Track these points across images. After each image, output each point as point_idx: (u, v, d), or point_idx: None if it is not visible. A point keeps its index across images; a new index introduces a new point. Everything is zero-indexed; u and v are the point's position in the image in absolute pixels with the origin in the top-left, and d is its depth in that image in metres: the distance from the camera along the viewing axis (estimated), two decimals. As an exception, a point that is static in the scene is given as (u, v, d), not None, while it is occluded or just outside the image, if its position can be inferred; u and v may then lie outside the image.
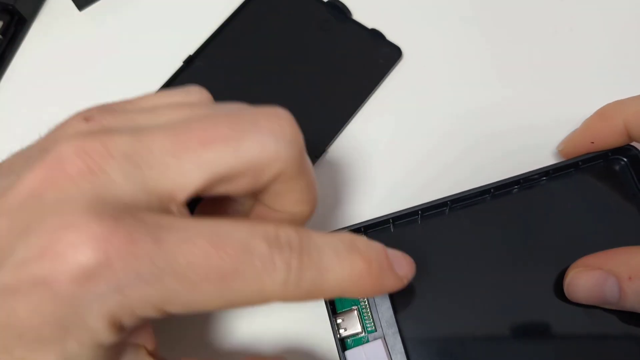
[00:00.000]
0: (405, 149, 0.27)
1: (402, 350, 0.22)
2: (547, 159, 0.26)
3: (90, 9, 0.32)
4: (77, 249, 0.14)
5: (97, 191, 0.15)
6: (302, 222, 0.20)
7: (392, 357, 0.22)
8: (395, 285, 0.19)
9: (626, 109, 0.23)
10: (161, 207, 0.16)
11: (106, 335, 0.15)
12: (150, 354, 0.19)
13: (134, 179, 0.16)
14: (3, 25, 0.30)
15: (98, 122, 0.17)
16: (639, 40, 0.29)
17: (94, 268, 0.14)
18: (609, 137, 0.23)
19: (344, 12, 0.30)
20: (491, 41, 0.30)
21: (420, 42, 0.30)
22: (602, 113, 0.24)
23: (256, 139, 0.17)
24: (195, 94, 0.20)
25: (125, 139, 0.16)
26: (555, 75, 0.28)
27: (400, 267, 0.19)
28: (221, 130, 0.16)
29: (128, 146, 0.16)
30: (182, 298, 0.15)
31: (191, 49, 0.30)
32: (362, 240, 0.18)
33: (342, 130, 0.28)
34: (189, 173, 0.16)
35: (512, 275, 0.23)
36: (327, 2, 0.31)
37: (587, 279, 0.21)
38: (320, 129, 0.28)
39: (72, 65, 0.31)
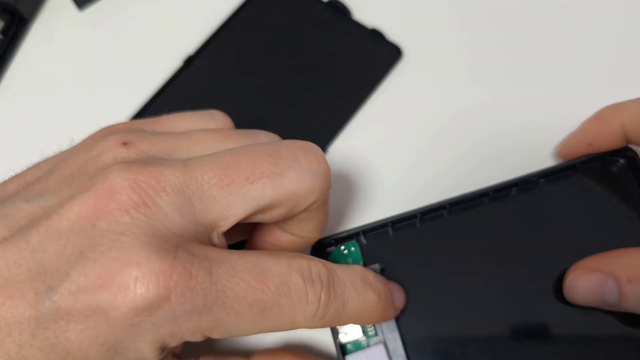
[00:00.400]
0: (405, 149, 0.28)
1: (403, 354, 0.22)
2: (546, 160, 0.26)
3: (91, 9, 0.32)
4: (140, 283, 0.15)
5: (152, 224, 0.16)
6: (310, 244, 0.22)
7: None
8: (393, 315, 0.21)
9: (624, 112, 0.23)
10: (205, 236, 0.17)
11: (151, 357, 0.16)
12: (175, 355, 0.20)
13: (184, 211, 0.17)
14: (4, 26, 0.30)
15: (138, 148, 0.18)
16: (638, 41, 0.29)
17: (154, 301, 0.15)
18: (606, 139, 0.23)
19: (344, 12, 0.30)
20: (491, 42, 0.30)
21: (420, 41, 0.30)
22: (600, 115, 0.24)
23: (296, 174, 0.18)
24: (220, 119, 0.22)
25: (176, 174, 0.17)
26: (557, 77, 0.28)
27: (398, 299, 0.22)
28: (265, 166, 0.18)
29: (179, 181, 0.17)
30: (226, 326, 0.17)
31: (191, 49, 0.30)
32: (371, 273, 0.20)
33: (342, 131, 0.28)
34: (234, 205, 0.17)
35: (511, 277, 0.23)
36: (327, 2, 0.31)
37: (587, 281, 0.21)
38: (319, 129, 0.28)
39: (73, 65, 0.31)
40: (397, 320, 0.23)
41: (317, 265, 0.18)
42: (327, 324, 0.19)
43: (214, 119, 0.22)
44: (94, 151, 0.18)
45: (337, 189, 0.27)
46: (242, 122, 0.28)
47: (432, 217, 0.24)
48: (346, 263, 0.23)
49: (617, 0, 0.30)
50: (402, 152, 0.27)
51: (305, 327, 0.18)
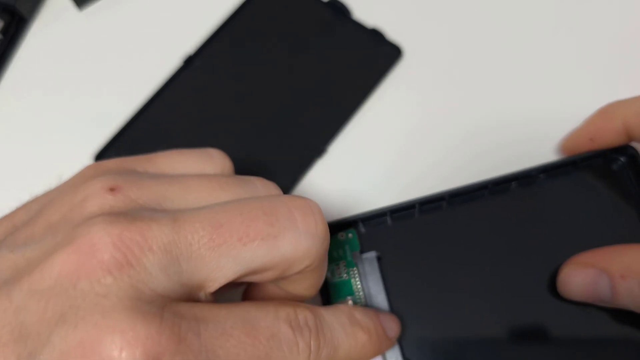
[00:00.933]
0: (405, 149, 0.28)
1: (396, 344, 0.22)
2: (547, 155, 0.26)
3: (90, 9, 0.32)
4: (126, 353, 0.14)
5: (136, 286, 0.15)
6: (305, 300, 0.21)
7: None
8: (388, 347, 0.21)
9: (627, 109, 0.23)
10: (191, 295, 0.16)
11: None
12: None
13: (171, 272, 0.16)
14: (3, 25, 0.30)
15: (126, 196, 0.17)
16: None
17: None
18: (608, 135, 0.23)
19: (344, 12, 0.30)
20: (491, 40, 0.30)
21: (420, 41, 0.30)
22: (603, 111, 0.24)
23: (293, 237, 0.17)
24: (218, 160, 0.20)
25: (165, 231, 0.16)
26: (558, 74, 0.29)
27: (391, 329, 0.21)
28: (260, 226, 0.17)
29: (168, 239, 0.16)
30: None
31: (191, 49, 0.30)
32: (359, 310, 0.20)
33: (342, 130, 0.28)
34: (224, 267, 0.16)
35: (508, 271, 0.23)
36: (327, 2, 0.31)
37: (580, 276, 0.21)
38: (320, 128, 0.28)
39: (72, 65, 0.31)
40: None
41: (304, 312, 0.18)
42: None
43: (212, 161, 0.20)
44: (80, 195, 0.17)
45: (337, 187, 0.27)
46: (241, 122, 0.28)
47: (431, 208, 0.24)
48: (344, 250, 0.23)
49: None
50: (402, 152, 0.27)
51: None
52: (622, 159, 0.24)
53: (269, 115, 0.28)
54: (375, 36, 0.30)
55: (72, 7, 0.32)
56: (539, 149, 0.27)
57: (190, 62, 0.30)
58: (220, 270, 0.16)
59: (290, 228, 0.17)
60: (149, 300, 0.15)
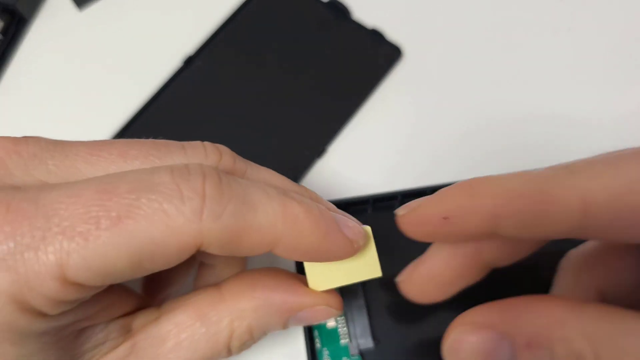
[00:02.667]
0: (405, 149, 0.28)
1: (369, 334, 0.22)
2: (547, 157, 0.26)
3: (90, 9, 0.32)
4: None
5: None
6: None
7: None
8: (345, 245, 0.16)
9: (501, 187, 0.16)
10: None
11: (30, 323, 0.14)
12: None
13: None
14: (3, 26, 0.30)
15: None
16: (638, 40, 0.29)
17: None
18: (471, 217, 0.16)
19: (344, 12, 0.30)
20: (491, 41, 0.30)
21: (420, 42, 0.30)
22: (465, 186, 0.16)
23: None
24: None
25: None
26: (558, 75, 0.29)
27: (348, 228, 0.17)
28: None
29: None
30: (78, 256, 0.13)
31: (191, 49, 0.30)
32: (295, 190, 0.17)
33: (341, 130, 0.28)
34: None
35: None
36: (327, 2, 0.31)
37: (473, 342, 0.15)
38: (319, 128, 0.28)
39: (72, 65, 0.31)
40: (366, 297, 0.23)
41: (199, 165, 0.15)
42: (232, 234, 0.14)
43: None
44: None
45: (336, 187, 0.27)
46: (242, 122, 0.28)
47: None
48: None
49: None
50: (402, 152, 0.27)
51: (200, 238, 0.14)
52: None
53: (269, 115, 0.28)
54: (375, 36, 0.30)
55: (72, 7, 0.32)
56: (540, 149, 0.26)
57: (190, 62, 0.30)
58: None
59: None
60: None
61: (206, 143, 0.18)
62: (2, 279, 0.13)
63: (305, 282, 0.18)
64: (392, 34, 0.30)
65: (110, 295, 0.16)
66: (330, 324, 0.23)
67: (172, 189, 0.14)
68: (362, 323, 0.22)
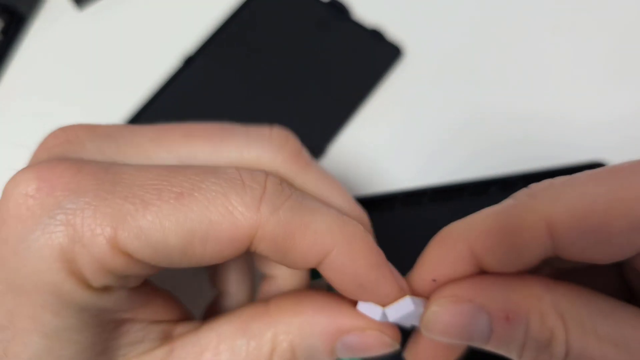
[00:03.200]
0: (404, 149, 0.28)
1: None
2: (546, 157, 0.26)
3: (90, 9, 0.32)
4: (20, 175, 0.14)
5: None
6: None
7: None
8: (392, 285, 0.16)
9: (469, 231, 0.16)
10: None
11: (74, 291, 0.14)
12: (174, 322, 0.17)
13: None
14: (3, 25, 0.30)
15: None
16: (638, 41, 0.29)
17: (36, 193, 0.14)
18: (451, 268, 0.16)
19: (344, 11, 0.30)
20: (491, 40, 0.30)
21: (421, 41, 0.30)
22: (442, 238, 0.16)
23: (239, 139, 0.17)
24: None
25: None
26: (558, 74, 0.29)
27: (397, 274, 0.16)
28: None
29: None
30: (134, 222, 0.13)
31: (191, 49, 0.30)
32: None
33: (341, 130, 0.28)
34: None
35: None
36: (327, 2, 0.31)
37: (451, 315, 0.15)
38: (319, 128, 0.28)
39: (72, 65, 0.31)
40: None
41: (262, 171, 0.15)
42: (288, 230, 0.14)
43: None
44: None
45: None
46: (241, 122, 0.28)
47: (412, 202, 0.24)
48: None
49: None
50: (402, 152, 0.27)
51: (255, 231, 0.14)
52: None
53: (269, 115, 0.28)
54: (376, 36, 0.30)
55: (72, 7, 0.32)
56: (540, 150, 0.27)
57: (190, 62, 0.30)
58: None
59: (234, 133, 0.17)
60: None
61: (274, 128, 0.18)
62: (58, 233, 0.13)
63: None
64: (392, 34, 0.30)
65: (156, 299, 0.16)
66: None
67: (236, 178, 0.14)
68: None
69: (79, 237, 0.13)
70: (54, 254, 0.13)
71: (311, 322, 0.16)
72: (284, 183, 0.15)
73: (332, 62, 0.29)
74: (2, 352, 0.14)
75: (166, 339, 0.16)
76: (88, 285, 0.14)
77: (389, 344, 0.16)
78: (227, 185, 0.14)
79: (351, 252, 0.15)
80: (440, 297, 0.16)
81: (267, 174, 0.15)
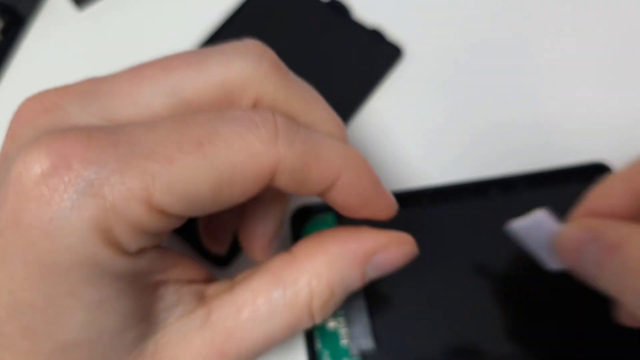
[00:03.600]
0: (404, 149, 0.28)
1: (370, 332, 0.22)
2: (546, 159, 0.26)
3: (90, 9, 0.32)
4: (30, 148, 0.14)
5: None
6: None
7: None
8: (389, 199, 0.18)
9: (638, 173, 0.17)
10: None
11: (110, 260, 0.14)
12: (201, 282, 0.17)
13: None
14: (3, 26, 0.30)
15: None
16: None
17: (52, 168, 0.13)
18: (612, 206, 0.17)
19: (344, 12, 0.30)
20: (491, 40, 0.30)
21: (421, 41, 0.30)
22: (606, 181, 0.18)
23: (220, 57, 0.17)
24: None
25: None
26: (559, 75, 0.28)
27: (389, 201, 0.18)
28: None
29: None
30: (163, 179, 0.14)
31: (191, 49, 0.30)
32: None
33: (341, 131, 0.28)
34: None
35: (473, 275, 0.23)
36: (327, 2, 0.31)
37: (570, 238, 0.17)
38: (320, 129, 0.28)
39: (73, 65, 0.31)
40: (367, 297, 0.23)
41: (266, 110, 0.16)
42: (305, 160, 0.15)
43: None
44: None
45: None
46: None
47: (412, 203, 0.24)
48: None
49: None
50: (402, 152, 0.27)
51: (277, 164, 0.15)
52: (597, 176, 0.24)
53: (269, 115, 0.28)
54: (375, 36, 0.30)
55: (72, 7, 0.32)
56: (540, 150, 0.26)
57: (190, 62, 0.30)
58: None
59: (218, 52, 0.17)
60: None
61: (245, 40, 0.18)
62: (88, 205, 0.13)
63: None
64: (393, 34, 0.30)
65: (182, 259, 0.17)
66: (331, 324, 0.23)
67: (246, 118, 0.15)
68: (362, 323, 0.22)
69: (110, 206, 0.13)
70: (90, 227, 0.13)
71: (340, 255, 0.17)
72: (288, 117, 0.16)
73: (332, 62, 0.29)
74: (47, 334, 0.14)
75: (201, 300, 0.17)
76: (124, 252, 0.14)
77: (410, 251, 0.18)
78: (241, 128, 0.14)
79: (357, 173, 0.16)
80: (577, 216, 0.18)
81: (272, 110, 0.15)
